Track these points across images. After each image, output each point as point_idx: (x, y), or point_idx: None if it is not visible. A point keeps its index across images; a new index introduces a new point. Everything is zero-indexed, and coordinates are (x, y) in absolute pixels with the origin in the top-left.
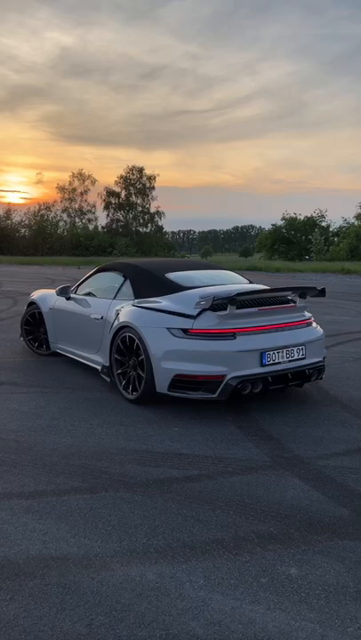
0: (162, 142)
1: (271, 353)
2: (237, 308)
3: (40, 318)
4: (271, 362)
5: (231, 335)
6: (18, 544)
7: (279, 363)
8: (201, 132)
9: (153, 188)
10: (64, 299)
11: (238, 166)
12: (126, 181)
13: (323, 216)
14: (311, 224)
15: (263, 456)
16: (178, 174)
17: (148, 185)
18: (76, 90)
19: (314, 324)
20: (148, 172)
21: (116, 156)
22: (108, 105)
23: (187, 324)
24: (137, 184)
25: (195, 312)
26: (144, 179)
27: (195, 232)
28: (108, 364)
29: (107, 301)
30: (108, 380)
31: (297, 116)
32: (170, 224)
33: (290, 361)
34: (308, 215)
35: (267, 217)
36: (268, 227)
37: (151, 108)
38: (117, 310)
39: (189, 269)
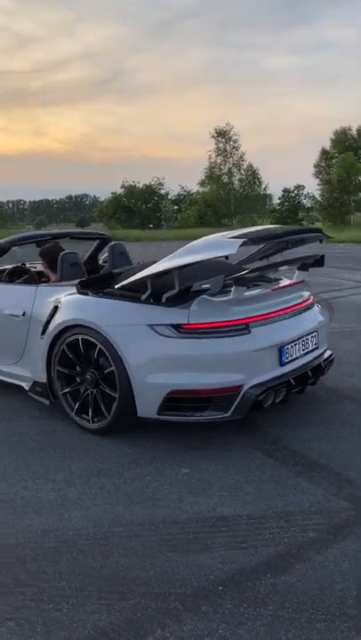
0: None
1: (289, 347)
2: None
3: None
4: (290, 358)
5: (244, 328)
6: None
7: (297, 358)
8: (21, 95)
9: None
10: None
11: (65, 132)
12: None
13: (161, 184)
14: (150, 192)
15: (336, 500)
16: None
17: None
18: None
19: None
20: None
21: None
22: None
23: (181, 316)
24: None
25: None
26: None
27: (25, 202)
28: (43, 381)
29: (29, 289)
30: (47, 402)
31: (120, 82)
32: None
33: (305, 354)
34: (147, 183)
35: (100, 185)
36: (102, 196)
37: None
38: (55, 301)
39: None
